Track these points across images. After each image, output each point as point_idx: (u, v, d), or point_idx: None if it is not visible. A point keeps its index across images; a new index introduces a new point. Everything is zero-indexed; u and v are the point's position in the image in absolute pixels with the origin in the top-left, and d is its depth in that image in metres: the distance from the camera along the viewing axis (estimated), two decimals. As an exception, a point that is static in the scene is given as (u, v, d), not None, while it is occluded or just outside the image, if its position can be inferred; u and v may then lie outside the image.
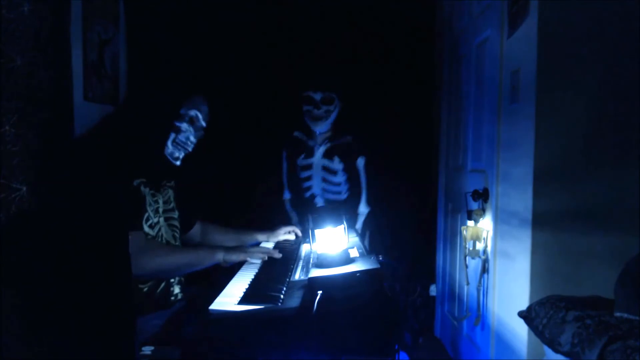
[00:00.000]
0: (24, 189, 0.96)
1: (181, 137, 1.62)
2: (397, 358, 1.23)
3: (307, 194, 2.52)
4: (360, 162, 2.51)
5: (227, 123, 2.96)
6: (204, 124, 1.67)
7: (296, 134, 2.58)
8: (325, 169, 2.47)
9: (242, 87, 3.03)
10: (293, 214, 2.65)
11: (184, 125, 1.62)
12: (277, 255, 1.65)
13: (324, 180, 2.47)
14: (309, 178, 2.50)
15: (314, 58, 3.03)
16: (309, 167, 2.50)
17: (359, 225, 2.54)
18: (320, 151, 2.49)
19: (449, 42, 2.91)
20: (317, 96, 2.44)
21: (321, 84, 2.47)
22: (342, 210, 2.44)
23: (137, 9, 2.30)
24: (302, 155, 2.53)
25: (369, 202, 2.53)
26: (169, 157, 1.63)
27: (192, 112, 1.63)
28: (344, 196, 2.50)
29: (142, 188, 1.56)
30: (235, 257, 1.59)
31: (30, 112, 0.99)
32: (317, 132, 2.49)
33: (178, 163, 1.66)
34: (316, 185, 2.48)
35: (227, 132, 2.94)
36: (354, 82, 2.88)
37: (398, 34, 3.10)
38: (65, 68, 1.08)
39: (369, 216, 2.56)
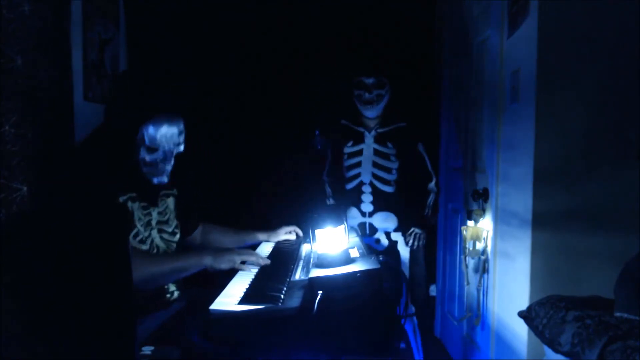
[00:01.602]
0: (24, 189, 0.96)
1: (147, 163, 1.50)
2: (398, 358, 1.23)
3: (354, 183, 2.43)
4: (421, 147, 2.46)
5: (227, 123, 2.97)
6: (169, 147, 1.51)
7: (343, 122, 2.51)
8: (378, 153, 2.41)
9: (241, 87, 3.03)
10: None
11: (143, 154, 1.49)
12: (266, 261, 1.57)
13: (375, 165, 2.40)
14: (357, 164, 2.42)
15: (311, 57, 3.04)
16: (359, 153, 2.43)
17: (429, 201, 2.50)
18: (371, 137, 2.44)
19: (449, 42, 2.91)
20: (370, 80, 2.39)
21: (372, 68, 2.43)
22: (392, 200, 2.40)
23: (137, 9, 2.30)
24: (350, 143, 2.46)
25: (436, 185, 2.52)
26: (146, 176, 1.53)
27: (150, 140, 1.47)
28: (393, 187, 2.42)
29: (130, 203, 1.52)
30: (224, 266, 1.51)
31: (30, 112, 0.99)
32: (369, 117, 2.45)
33: (165, 180, 1.55)
34: (365, 172, 2.40)
35: (227, 132, 2.95)
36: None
37: (398, 34, 3.10)
38: (65, 68, 1.08)
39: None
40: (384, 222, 2.42)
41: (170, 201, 1.68)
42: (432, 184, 2.52)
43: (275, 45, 3.08)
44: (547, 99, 1.68)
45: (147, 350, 1.31)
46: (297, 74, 3.05)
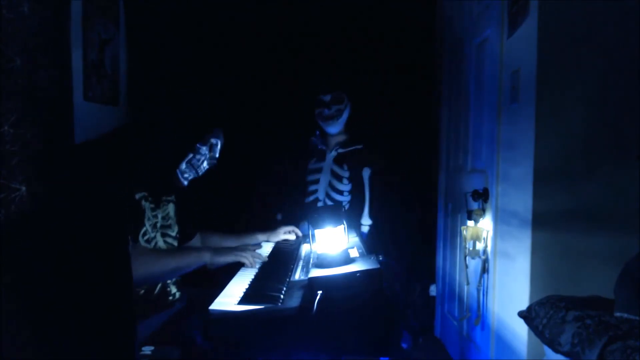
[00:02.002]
0: (24, 189, 0.96)
1: (197, 159, 1.66)
2: (398, 358, 1.23)
3: (311, 198, 2.51)
4: (366, 173, 2.49)
5: (228, 125, 2.97)
6: (217, 154, 1.73)
7: (312, 138, 2.59)
8: (334, 174, 2.47)
9: (242, 87, 3.03)
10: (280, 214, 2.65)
11: (204, 149, 1.67)
12: (261, 260, 1.65)
13: (330, 185, 2.47)
14: (316, 181, 2.50)
15: (313, 59, 3.03)
16: (319, 170, 2.50)
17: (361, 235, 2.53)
18: (331, 156, 2.49)
19: (449, 42, 2.91)
20: (327, 97, 2.46)
21: (329, 85, 2.48)
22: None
23: (137, 9, 2.30)
24: (314, 159, 2.53)
25: (371, 216, 2.51)
26: (179, 174, 1.65)
27: (214, 140, 1.70)
28: (346, 206, 2.49)
29: (143, 202, 1.55)
30: (222, 260, 1.58)
31: (30, 112, 0.99)
32: (331, 134, 2.50)
33: (185, 183, 1.69)
34: (321, 190, 2.48)
35: (227, 132, 2.95)
36: (354, 83, 2.88)
37: (398, 34, 3.09)
38: (65, 68, 1.08)
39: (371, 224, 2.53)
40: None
41: (171, 207, 1.69)
42: (363, 219, 2.48)
43: (275, 45, 3.08)
44: (547, 99, 1.68)
45: (147, 350, 1.31)
46: (297, 74, 3.05)
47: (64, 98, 1.07)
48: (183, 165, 1.64)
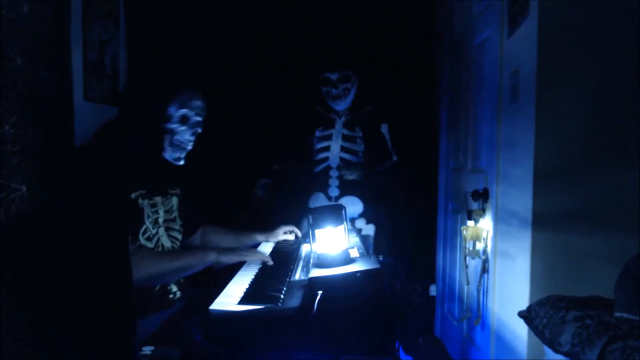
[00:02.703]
0: (24, 189, 0.96)
1: (177, 137, 1.57)
2: (397, 358, 1.23)
3: (321, 167, 2.47)
4: (384, 128, 2.48)
5: (228, 122, 2.97)
6: (198, 118, 1.61)
7: (318, 108, 2.57)
8: (346, 138, 2.44)
9: (241, 86, 3.03)
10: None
11: (176, 126, 1.56)
12: (269, 262, 1.62)
13: (343, 149, 2.44)
14: (326, 148, 2.47)
15: (313, 58, 3.03)
16: (328, 137, 2.47)
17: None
18: (341, 122, 2.47)
19: (449, 42, 2.91)
20: (334, 76, 2.44)
21: (337, 64, 2.46)
22: (358, 185, 2.41)
23: (137, 9, 2.30)
24: (321, 127, 2.51)
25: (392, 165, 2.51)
26: (169, 159, 1.60)
27: (182, 111, 1.56)
28: (359, 171, 2.44)
29: (140, 200, 1.54)
30: (227, 259, 1.57)
31: (30, 112, 0.99)
32: (339, 110, 2.49)
33: (181, 163, 1.62)
34: (333, 156, 2.44)
35: (228, 131, 2.95)
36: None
37: (398, 34, 3.09)
38: (65, 68, 1.08)
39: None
40: (350, 207, 2.43)
41: (175, 200, 1.69)
42: (388, 163, 2.52)
43: (275, 45, 3.08)
44: (547, 99, 1.68)
45: (147, 350, 1.31)
46: (297, 74, 3.05)
47: (64, 98, 1.07)
48: (167, 149, 1.58)
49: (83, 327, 1.02)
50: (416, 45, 3.15)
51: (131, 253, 1.47)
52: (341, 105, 2.48)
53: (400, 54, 3.10)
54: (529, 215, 1.72)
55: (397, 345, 1.23)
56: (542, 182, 1.70)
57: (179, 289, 1.66)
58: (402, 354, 2.51)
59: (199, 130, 1.63)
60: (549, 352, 1.41)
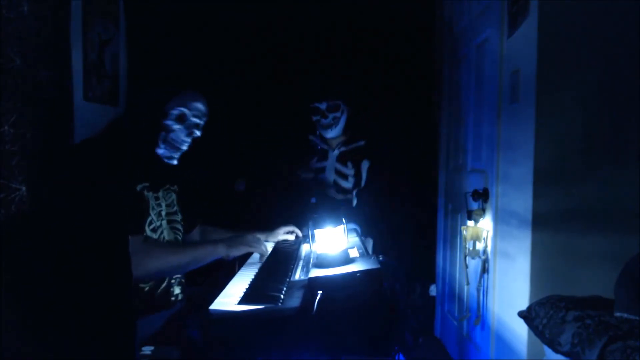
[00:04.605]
0: (24, 189, 0.96)
1: (172, 135, 1.57)
2: (397, 358, 1.23)
3: (315, 199, 2.50)
4: (365, 165, 2.50)
5: (227, 123, 2.97)
6: (196, 120, 1.60)
7: (311, 137, 2.58)
8: (338, 173, 2.47)
9: (242, 87, 3.03)
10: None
11: (171, 123, 1.56)
12: (266, 253, 1.67)
13: (336, 184, 2.46)
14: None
15: (312, 58, 3.03)
16: (322, 170, 2.50)
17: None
18: (334, 155, 2.49)
19: (449, 42, 2.91)
20: (323, 106, 2.45)
21: (325, 94, 2.47)
22: (352, 213, 2.43)
23: (137, 9, 2.30)
24: (315, 159, 2.53)
25: (359, 207, 2.52)
26: (162, 157, 1.59)
27: (180, 110, 1.56)
28: (353, 203, 2.48)
29: (145, 192, 1.55)
30: (236, 252, 1.60)
31: (30, 112, 0.99)
32: (330, 138, 2.50)
33: (174, 162, 1.62)
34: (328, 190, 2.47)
35: (227, 132, 2.95)
36: (354, 83, 2.88)
37: (398, 35, 3.09)
38: (65, 68, 1.08)
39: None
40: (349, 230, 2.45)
41: (174, 196, 1.70)
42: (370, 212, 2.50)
43: (275, 45, 3.08)
44: (547, 99, 1.68)
45: (147, 350, 1.31)
46: (297, 73, 3.05)
47: (64, 98, 1.07)
48: (161, 147, 1.57)
49: (83, 327, 1.03)
50: (416, 46, 3.15)
51: (142, 243, 1.48)
52: (332, 133, 2.49)
53: (400, 54, 3.10)
54: (528, 215, 1.72)
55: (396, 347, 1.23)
56: (542, 182, 1.70)
57: (182, 291, 1.67)
58: (401, 354, 2.51)
59: (197, 134, 1.62)
60: (549, 352, 1.41)
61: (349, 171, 2.46)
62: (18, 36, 0.97)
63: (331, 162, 2.49)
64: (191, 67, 2.71)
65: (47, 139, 1.02)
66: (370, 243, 2.50)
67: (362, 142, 2.52)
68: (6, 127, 0.95)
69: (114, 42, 2.13)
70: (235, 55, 3.01)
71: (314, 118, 2.49)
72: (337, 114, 2.45)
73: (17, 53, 0.97)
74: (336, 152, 2.50)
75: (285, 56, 3.07)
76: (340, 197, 2.48)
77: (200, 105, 1.61)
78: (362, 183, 2.50)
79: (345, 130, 2.51)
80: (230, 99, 2.95)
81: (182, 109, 1.57)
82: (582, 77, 1.69)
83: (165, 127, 1.56)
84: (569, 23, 1.68)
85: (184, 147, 1.62)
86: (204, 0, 2.84)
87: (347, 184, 2.46)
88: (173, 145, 1.59)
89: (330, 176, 2.48)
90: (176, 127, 1.57)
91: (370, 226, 2.50)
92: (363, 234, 2.49)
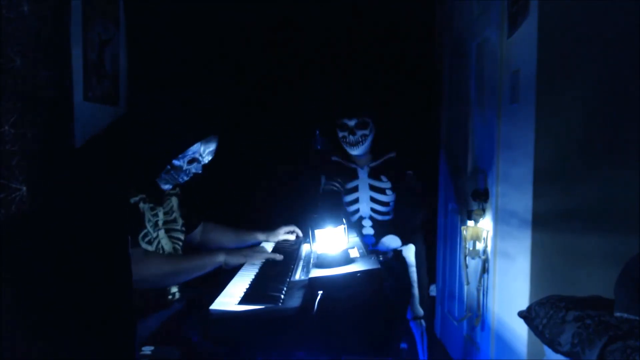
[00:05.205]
0: (24, 189, 0.96)
1: (174, 173, 1.59)
2: (399, 358, 1.23)
3: (354, 218, 2.43)
4: (409, 176, 2.41)
5: (228, 124, 2.97)
6: (205, 162, 1.63)
7: (334, 158, 2.49)
8: (373, 188, 2.40)
9: (241, 86, 3.03)
10: None
11: (181, 163, 1.57)
12: (279, 257, 1.65)
13: (372, 199, 2.40)
14: (355, 201, 2.42)
15: (312, 57, 3.03)
16: (355, 189, 2.42)
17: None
18: (364, 172, 2.43)
19: (449, 42, 2.91)
20: (352, 122, 2.37)
21: (354, 109, 2.40)
22: (392, 225, 2.40)
23: (137, 9, 2.30)
24: (346, 178, 2.43)
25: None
26: (158, 182, 1.61)
27: (196, 154, 1.58)
28: (391, 215, 2.42)
29: (141, 204, 1.55)
30: (235, 261, 1.60)
31: (30, 112, 0.99)
32: (357, 155, 2.42)
33: (167, 187, 1.64)
34: (363, 208, 2.40)
35: (227, 132, 2.95)
36: (355, 84, 2.88)
37: (397, 34, 3.09)
38: (65, 68, 1.08)
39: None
40: (389, 243, 2.41)
41: (174, 200, 1.70)
42: (419, 219, 2.48)
43: (275, 45, 3.08)
44: (547, 99, 1.68)
45: (147, 350, 1.31)
46: (297, 74, 3.05)
47: (64, 98, 1.07)
48: (161, 176, 1.59)
49: (83, 327, 1.03)
50: (416, 46, 3.15)
51: (142, 255, 1.48)
52: (359, 151, 2.38)
53: (400, 54, 3.10)
54: (528, 215, 1.72)
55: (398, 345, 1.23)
56: (542, 182, 1.70)
57: (179, 290, 1.67)
58: (403, 354, 2.51)
59: (199, 171, 1.64)
60: (549, 352, 1.41)
61: (385, 184, 2.38)
62: (18, 36, 0.97)
63: (363, 180, 2.41)
64: (191, 67, 2.71)
65: (47, 139, 1.02)
66: (412, 250, 2.46)
67: (393, 154, 2.45)
68: (6, 127, 0.95)
69: (114, 42, 2.13)
70: (235, 56, 3.01)
71: (340, 134, 2.40)
72: (366, 132, 2.38)
73: (17, 53, 0.97)
74: (366, 168, 2.43)
75: (284, 58, 3.07)
76: (379, 217, 2.41)
77: (213, 149, 1.64)
78: (420, 197, 2.43)
79: (372, 148, 2.44)
80: (230, 99, 2.95)
81: (198, 155, 1.59)
82: (582, 77, 1.69)
83: (174, 165, 1.57)
84: (569, 23, 1.68)
85: (182, 181, 1.64)
86: (204, 0, 2.84)
87: (385, 198, 2.40)
88: (174, 179, 1.62)
89: (365, 193, 2.41)
90: (185, 167, 1.59)
91: (409, 232, 2.46)
92: (404, 242, 2.45)
